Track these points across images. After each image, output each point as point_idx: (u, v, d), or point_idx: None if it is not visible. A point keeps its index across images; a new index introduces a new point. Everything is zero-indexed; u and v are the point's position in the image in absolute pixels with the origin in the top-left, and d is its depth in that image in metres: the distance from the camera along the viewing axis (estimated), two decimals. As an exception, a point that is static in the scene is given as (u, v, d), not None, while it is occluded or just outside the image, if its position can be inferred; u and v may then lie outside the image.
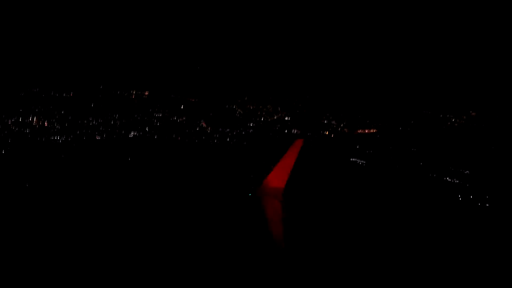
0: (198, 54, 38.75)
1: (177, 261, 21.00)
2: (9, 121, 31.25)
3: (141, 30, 38.08)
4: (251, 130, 35.21)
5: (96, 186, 27.92)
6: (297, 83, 38.47)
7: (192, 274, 20.20)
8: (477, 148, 32.39)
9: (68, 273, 19.29)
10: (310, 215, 26.79)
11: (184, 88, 37.33)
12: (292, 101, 37.42)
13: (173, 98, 36.56)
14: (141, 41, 38.10)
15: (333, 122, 36.05)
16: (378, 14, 37.44)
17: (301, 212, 27.06)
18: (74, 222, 23.71)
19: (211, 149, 33.33)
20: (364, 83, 37.74)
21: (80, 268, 19.78)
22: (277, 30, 38.38)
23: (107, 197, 26.94)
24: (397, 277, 20.94)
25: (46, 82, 34.64)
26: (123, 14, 37.50)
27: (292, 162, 19.98)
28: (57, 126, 32.16)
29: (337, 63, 38.15)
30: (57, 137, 31.47)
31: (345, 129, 35.67)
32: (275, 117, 36.57)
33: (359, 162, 32.50)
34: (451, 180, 30.06)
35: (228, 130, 34.74)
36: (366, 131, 35.53)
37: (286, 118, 36.51)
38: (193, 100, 36.84)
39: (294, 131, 35.51)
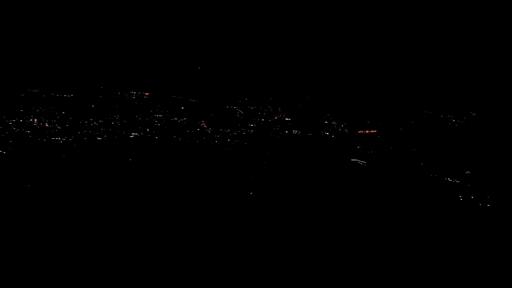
0: (198, 55, 38.74)
1: (177, 261, 21.00)
2: (10, 122, 31.21)
3: (141, 30, 38.07)
4: (252, 130, 35.19)
5: (97, 186, 27.89)
6: (297, 84, 38.47)
7: (192, 274, 20.20)
8: (478, 148, 32.41)
9: (68, 273, 19.26)
10: (311, 215, 26.80)
11: (185, 88, 37.32)
12: (293, 101, 37.40)
13: (173, 98, 36.54)
14: (141, 42, 38.08)
15: (334, 122, 36.04)
16: (378, 14, 37.47)
17: (302, 212, 27.08)
18: (75, 222, 23.68)
19: (211, 149, 33.33)
20: (365, 83, 37.74)
21: (80, 268, 19.76)
22: (277, 30, 38.38)
23: (108, 197, 26.92)
24: (398, 278, 20.93)
25: (46, 83, 34.62)
26: (123, 14, 37.49)
27: None
28: (58, 127, 32.14)
29: (337, 64, 38.16)
30: (57, 138, 31.43)
31: (346, 130, 35.66)
32: (276, 118, 36.55)
33: (360, 162, 32.53)
34: (452, 180, 30.08)
35: (228, 130, 34.73)
36: (367, 131, 35.53)
37: (286, 119, 36.49)
38: (193, 100, 36.82)
39: (294, 132, 35.50)
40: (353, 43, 38.25)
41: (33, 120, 31.82)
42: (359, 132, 35.55)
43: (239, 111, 36.44)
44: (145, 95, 36.16)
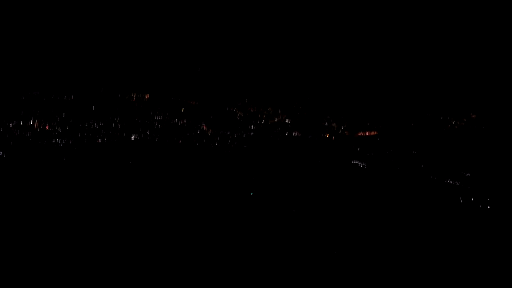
0: (199, 57, 38.74)
1: (177, 261, 21.04)
2: (10, 124, 31.25)
3: (141, 32, 38.08)
4: (252, 133, 35.21)
5: (97, 189, 27.93)
6: (297, 86, 38.47)
7: (192, 274, 20.23)
8: (478, 150, 32.43)
9: (68, 273, 19.30)
10: (311, 217, 26.83)
11: (185, 91, 37.32)
12: (293, 103, 37.41)
13: (173, 101, 36.54)
14: (141, 43, 38.09)
15: (334, 124, 36.05)
16: (378, 15, 37.51)
17: (302, 215, 27.11)
18: (75, 225, 23.71)
19: (212, 151, 33.37)
20: (365, 85, 37.75)
21: (80, 268, 19.80)
22: (277, 31, 38.41)
23: (108, 200, 26.96)
24: (398, 279, 20.95)
25: (46, 85, 34.64)
26: (123, 15, 37.50)
27: None
28: (58, 130, 32.19)
29: (338, 65, 38.18)
30: (58, 140, 31.48)
31: (346, 132, 35.68)
32: (276, 120, 36.56)
33: (360, 164, 32.55)
34: (452, 182, 30.11)
35: (228, 133, 34.75)
36: (367, 133, 35.54)
37: (286, 121, 36.51)
38: (193, 103, 36.84)
39: (294, 134, 35.52)
40: (353, 45, 38.27)
41: (34, 122, 31.87)
42: (359, 134, 35.56)
43: (239, 113, 36.46)
44: (145, 97, 36.18)
